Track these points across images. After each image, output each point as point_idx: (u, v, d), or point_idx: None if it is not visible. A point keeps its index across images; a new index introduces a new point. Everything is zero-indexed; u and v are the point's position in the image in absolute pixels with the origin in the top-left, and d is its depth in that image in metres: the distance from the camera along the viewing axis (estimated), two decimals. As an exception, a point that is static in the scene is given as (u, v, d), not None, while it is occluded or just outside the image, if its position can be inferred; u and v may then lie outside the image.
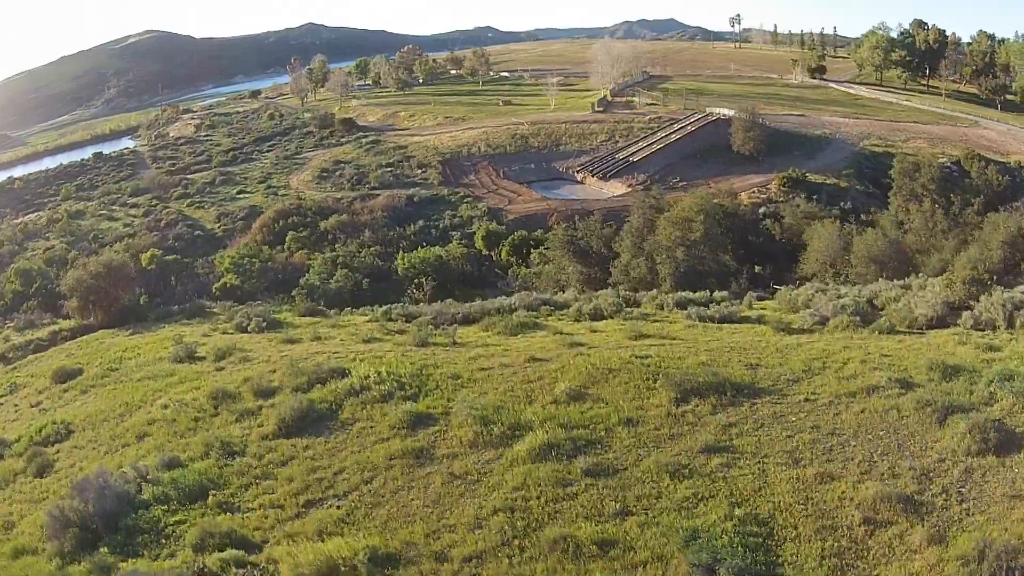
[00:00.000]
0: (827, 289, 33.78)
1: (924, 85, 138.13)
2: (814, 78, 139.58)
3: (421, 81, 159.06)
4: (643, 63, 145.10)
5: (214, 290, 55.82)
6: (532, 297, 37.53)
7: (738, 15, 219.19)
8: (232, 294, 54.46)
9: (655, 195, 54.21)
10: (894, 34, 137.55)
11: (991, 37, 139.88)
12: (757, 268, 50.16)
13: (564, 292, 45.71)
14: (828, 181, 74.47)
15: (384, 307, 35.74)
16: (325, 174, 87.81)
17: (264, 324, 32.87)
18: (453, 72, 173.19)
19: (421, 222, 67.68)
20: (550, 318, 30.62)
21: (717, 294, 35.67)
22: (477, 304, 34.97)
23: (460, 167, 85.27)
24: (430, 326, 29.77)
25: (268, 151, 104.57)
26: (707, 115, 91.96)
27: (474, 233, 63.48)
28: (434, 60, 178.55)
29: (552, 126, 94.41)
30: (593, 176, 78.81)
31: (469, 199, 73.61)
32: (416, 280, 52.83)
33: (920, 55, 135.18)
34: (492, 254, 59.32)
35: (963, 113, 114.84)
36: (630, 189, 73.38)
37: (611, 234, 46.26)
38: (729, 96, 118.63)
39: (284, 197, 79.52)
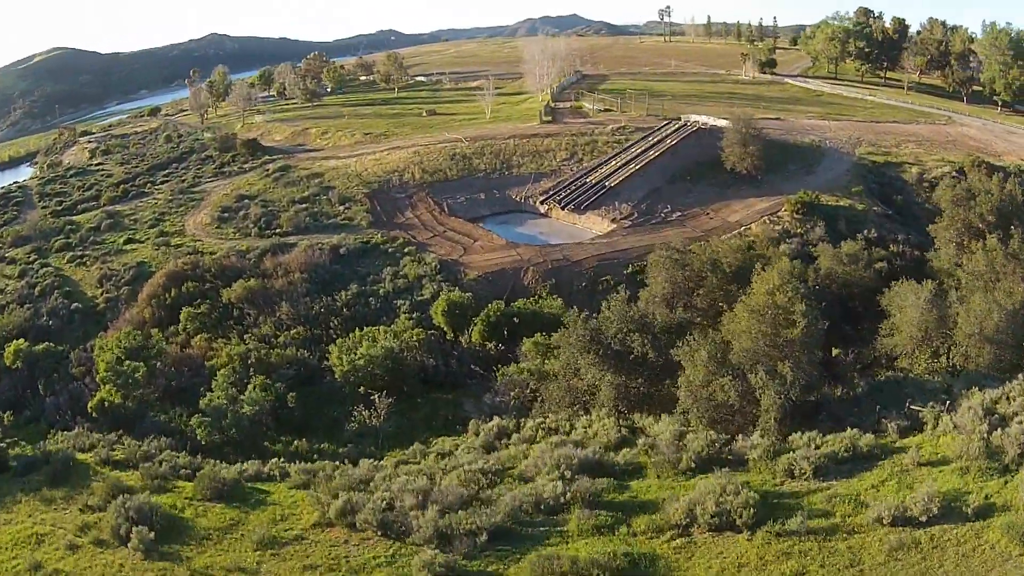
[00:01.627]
0: (989, 408, 24.79)
1: (882, 78, 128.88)
2: (765, 73, 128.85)
3: (330, 90, 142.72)
4: (575, 61, 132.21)
5: (90, 409, 39.50)
6: (575, 459, 25.33)
7: (668, 7, 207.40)
8: (114, 413, 38.54)
9: (678, 247, 40.41)
10: (849, 24, 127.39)
11: (944, 24, 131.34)
12: (835, 351, 37.20)
13: (589, 414, 32.33)
14: (841, 203, 62.20)
15: (341, 491, 23.71)
16: (226, 214, 71.39)
17: (150, 536, 21.41)
18: (364, 79, 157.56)
19: (355, 286, 51.51)
20: (636, 521, 20.95)
21: (861, 439, 24.79)
22: (501, 499, 22.40)
23: (393, 201, 69.68)
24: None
25: (163, 182, 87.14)
26: (685, 124, 78.21)
27: (427, 301, 47.97)
28: (342, 67, 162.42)
29: (498, 142, 79.57)
30: (563, 208, 63.59)
31: (412, 247, 57.94)
32: (362, 388, 37.75)
33: (879, 46, 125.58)
34: (461, 338, 43.87)
35: (932, 108, 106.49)
36: (615, 225, 59.01)
37: (664, 334, 31.80)
38: (683, 97, 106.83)
39: (178, 249, 63.01)
